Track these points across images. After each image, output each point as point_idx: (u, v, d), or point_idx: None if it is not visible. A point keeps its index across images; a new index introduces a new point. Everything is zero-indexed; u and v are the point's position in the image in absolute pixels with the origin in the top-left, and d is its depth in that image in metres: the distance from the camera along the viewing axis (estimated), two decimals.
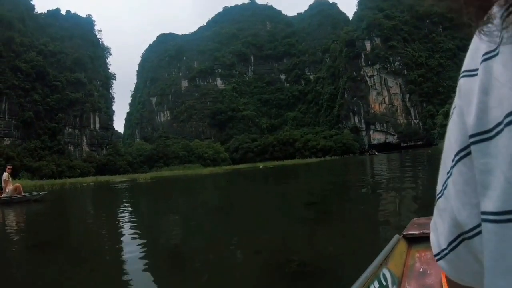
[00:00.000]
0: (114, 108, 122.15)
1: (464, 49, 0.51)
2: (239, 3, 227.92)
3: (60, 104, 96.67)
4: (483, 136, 0.33)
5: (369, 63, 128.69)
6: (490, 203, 0.32)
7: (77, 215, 12.38)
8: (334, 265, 3.93)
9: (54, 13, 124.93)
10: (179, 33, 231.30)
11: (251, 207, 10.10)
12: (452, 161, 0.40)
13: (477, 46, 0.38)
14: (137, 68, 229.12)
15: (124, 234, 6.80)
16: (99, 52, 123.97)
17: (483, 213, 0.34)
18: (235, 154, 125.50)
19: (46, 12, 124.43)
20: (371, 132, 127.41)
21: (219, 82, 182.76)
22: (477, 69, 0.37)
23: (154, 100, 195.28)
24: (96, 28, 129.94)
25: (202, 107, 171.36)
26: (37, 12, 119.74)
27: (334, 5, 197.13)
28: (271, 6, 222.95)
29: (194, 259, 4.92)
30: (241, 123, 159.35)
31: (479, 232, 0.37)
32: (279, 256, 4.42)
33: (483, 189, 0.33)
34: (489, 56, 0.35)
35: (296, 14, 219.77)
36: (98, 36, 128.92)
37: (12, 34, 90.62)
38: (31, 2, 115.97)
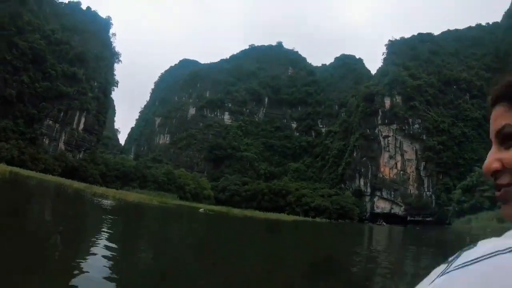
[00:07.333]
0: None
1: None
2: (267, 43, 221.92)
3: (48, 93, 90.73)
4: None
5: (386, 121, 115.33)
6: None
7: None
8: None
9: (74, 6, 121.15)
10: (202, 61, 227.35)
11: None
12: None
13: None
14: (152, 87, 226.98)
15: None
16: (107, 54, 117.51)
17: None
18: (221, 195, 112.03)
19: (67, 2, 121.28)
20: (375, 199, 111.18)
21: (226, 117, 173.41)
22: None
23: (158, 121, 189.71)
24: (111, 31, 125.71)
25: (203, 139, 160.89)
26: (58, 0, 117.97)
27: (360, 60, 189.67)
28: (297, 52, 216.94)
29: None
30: (238, 163, 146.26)
31: None
32: None
33: None
34: None
35: (320, 65, 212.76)
36: (111, 39, 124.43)
37: (22, 10, 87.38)
38: None
